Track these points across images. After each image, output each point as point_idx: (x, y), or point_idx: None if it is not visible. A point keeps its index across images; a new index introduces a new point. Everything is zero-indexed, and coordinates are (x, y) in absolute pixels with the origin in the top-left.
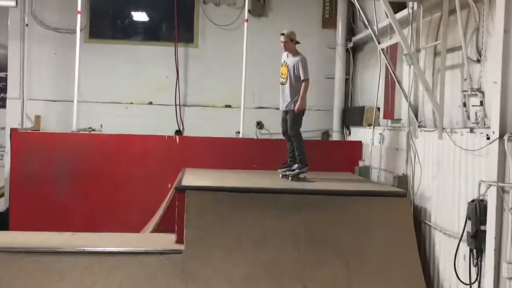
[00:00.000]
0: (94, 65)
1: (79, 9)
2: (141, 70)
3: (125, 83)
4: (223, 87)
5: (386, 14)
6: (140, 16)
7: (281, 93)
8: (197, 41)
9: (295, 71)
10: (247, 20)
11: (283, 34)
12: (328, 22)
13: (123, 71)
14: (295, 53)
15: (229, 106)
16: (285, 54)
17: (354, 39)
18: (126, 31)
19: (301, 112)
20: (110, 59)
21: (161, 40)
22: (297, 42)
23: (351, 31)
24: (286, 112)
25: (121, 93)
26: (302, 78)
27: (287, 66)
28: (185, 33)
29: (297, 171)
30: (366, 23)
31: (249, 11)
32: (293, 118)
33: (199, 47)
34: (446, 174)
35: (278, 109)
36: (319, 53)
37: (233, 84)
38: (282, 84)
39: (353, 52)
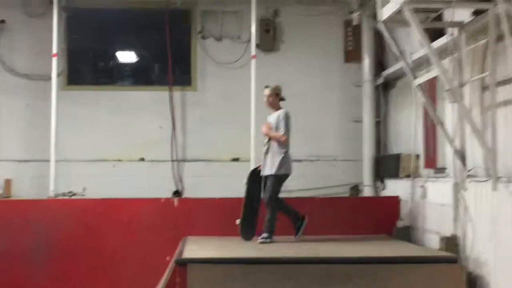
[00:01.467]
0: (74, 117)
1: (54, 51)
2: (130, 121)
3: (111, 137)
4: (229, 136)
5: (421, 43)
6: (127, 57)
7: (263, 156)
8: (195, 84)
9: (277, 128)
10: (254, 56)
11: (267, 87)
12: (352, 55)
13: (108, 123)
14: (277, 109)
15: (237, 159)
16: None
17: (384, 74)
18: (111, 75)
19: (282, 176)
20: (93, 108)
21: (153, 84)
22: (282, 99)
23: (379, 64)
24: (266, 177)
25: (107, 149)
26: (281, 131)
27: (269, 125)
28: (181, 74)
29: (260, 240)
30: (398, 54)
31: (256, 45)
32: (271, 183)
33: (199, 90)
34: (505, 234)
35: (299, 161)
36: (343, 92)
37: (241, 132)
38: (264, 146)
39: (384, 89)
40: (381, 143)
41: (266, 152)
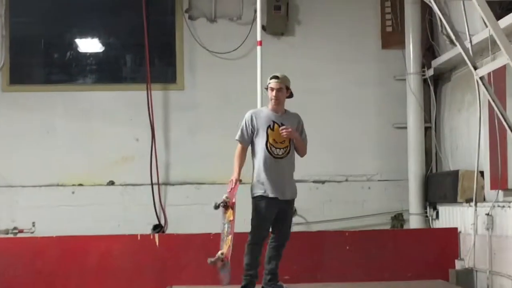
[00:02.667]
0: (19, 127)
1: None
2: (95, 132)
3: (70, 154)
4: (228, 150)
5: (485, 22)
6: (90, 46)
7: (273, 172)
8: (182, 80)
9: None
10: (260, 43)
11: (276, 77)
12: (392, 38)
13: (66, 135)
14: (284, 109)
15: (239, 180)
16: (264, 112)
17: (435, 63)
18: (69, 71)
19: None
20: (45, 116)
21: (125, 81)
22: (291, 95)
23: (429, 51)
24: (288, 202)
25: (64, 170)
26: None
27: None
28: (163, 68)
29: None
30: (453, 37)
31: (263, 28)
32: (292, 211)
33: (186, 88)
34: None
35: (321, 182)
36: (381, 88)
37: None
38: (279, 157)
39: (435, 84)
40: (433, 156)
41: (281, 166)
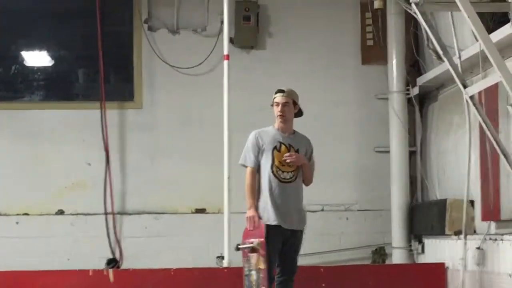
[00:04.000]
0: None
1: None
2: (42, 155)
3: (14, 180)
4: (191, 176)
5: (475, 35)
6: (37, 59)
7: (278, 198)
8: (140, 97)
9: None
10: (228, 57)
11: (282, 91)
12: (373, 53)
13: (9, 158)
14: (291, 127)
15: (202, 210)
16: (270, 131)
17: (421, 80)
18: (13, 86)
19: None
20: None
21: (77, 98)
22: (300, 113)
23: (414, 67)
24: (294, 232)
25: (6, 197)
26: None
27: (296, 151)
28: (119, 83)
29: None
30: (441, 52)
31: (231, 40)
32: (300, 243)
33: (145, 107)
34: None
35: None
36: (361, 108)
37: (209, 170)
38: (286, 182)
39: (420, 103)
40: (418, 183)
41: (287, 191)
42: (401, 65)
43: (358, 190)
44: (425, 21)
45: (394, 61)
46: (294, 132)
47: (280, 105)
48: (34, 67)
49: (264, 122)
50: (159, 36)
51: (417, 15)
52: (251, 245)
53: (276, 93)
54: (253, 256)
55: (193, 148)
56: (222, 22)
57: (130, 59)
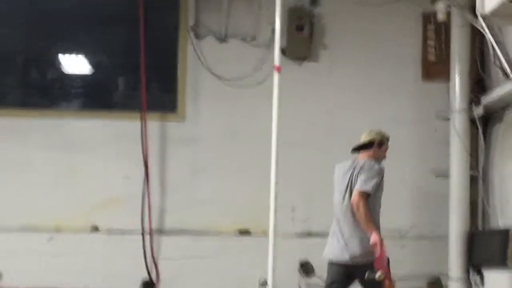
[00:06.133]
0: None
1: None
2: (76, 167)
3: (46, 193)
4: (234, 195)
5: None
6: (74, 66)
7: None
8: (183, 109)
9: None
10: (279, 68)
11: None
12: (434, 68)
13: (42, 169)
14: None
15: (246, 232)
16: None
17: (486, 100)
18: (48, 94)
19: None
20: (17, 146)
21: (115, 108)
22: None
23: (479, 85)
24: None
25: (39, 211)
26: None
27: None
28: (161, 94)
29: None
30: (508, 70)
31: (282, 51)
32: None
33: (188, 119)
34: None
35: None
36: (419, 128)
37: (254, 189)
38: None
39: (484, 124)
40: (479, 210)
41: None
42: (465, 83)
43: (415, 215)
44: (492, 35)
45: (457, 78)
46: None
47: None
48: (71, 74)
49: (314, 138)
50: (205, 44)
51: (483, 29)
52: (377, 275)
53: (388, 139)
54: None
55: (237, 164)
56: (273, 31)
57: (174, 68)
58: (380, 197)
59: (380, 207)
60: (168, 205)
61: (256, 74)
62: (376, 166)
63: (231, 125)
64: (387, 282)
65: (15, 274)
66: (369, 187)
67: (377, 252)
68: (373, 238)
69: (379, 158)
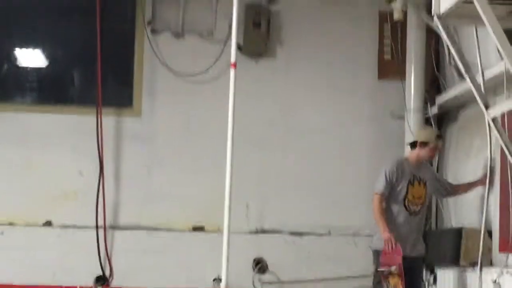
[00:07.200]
0: None
1: None
2: (31, 161)
3: None
4: (189, 191)
5: (500, 53)
6: (29, 59)
7: (404, 228)
8: (139, 104)
9: (436, 187)
10: (235, 65)
11: (440, 136)
12: (390, 67)
13: None
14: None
15: (200, 228)
16: (405, 165)
17: (441, 99)
18: (4, 87)
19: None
20: None
21: (71, 102)
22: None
23: (433, 84)
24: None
25: None
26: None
27: (425, 184)
28: (117, 88)
29: None
30: (462, 69)
31: (239, 47)
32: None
33: (144, 114)
34: None
35: (298, 234)
36: (375, 127)
37: (209, 186)
38: (414, 214)
39: (439, 124)
40: (432, 209)
41: (414, 222)
42: (420, 82)
43: (369, 214)
44: (448, 35)
45: (413, 77)
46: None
47: (436, 151)
48: (26, 67)
49: (270, 136)
50: (162, 39)
51: (439, 29)
52: (390, 269)
53: (437, 138)
54: (393, 279)
55: (193, 160)
56: (230, 27)
57: (131, 63)
58: (397, 196)
59: (399, 205)
60: (123, 201)
61: (212, 70)
62: (386, 168)
63: (187, 121)
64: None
65: None
66: (376, 188)
67: (386, 248)
68: (383, 235)
69: (421, 158)
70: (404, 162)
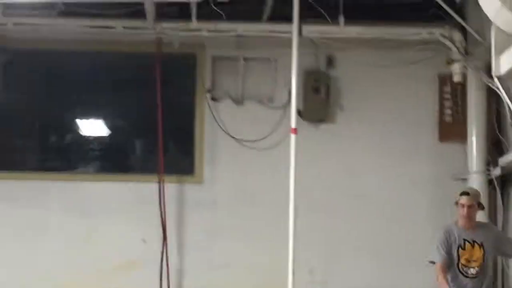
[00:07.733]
0: (3, 221)
1: None
2: (94, 229)
3: (61, 256)
4: (252, 258)
5: None
6: (91, 128)
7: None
8: (201, 172)
9: (498, 247)
10: (295, 131)
11: (467, 193)
12: (451, 130)
13: (59, 233)
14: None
15: None
16: (454, 229)
17: (503, 161)
18: (64, 157)
19: None
20: (35, 209)
21: (133, 171)
22: (482, 208)
23: (496, 146)
24: None
25: (55, 275)
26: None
27: (481, 245)
28: (179, 157)
29: None
30: None
31: (299, 113)
32: None
33: (206, 182)
34: None
35: None
36: (435, 189)
37: (273, 250)
38: (471, 276)
39: (502, 186)
40: (498, 273)
41: (473, 285)
42: (482, 144)
43: (431, 276)
44: (509, 96)
45: (474, 139)
46: (476, 224)
47: (465, 207)
48: (89, 137)
49: (331, 200)
50: (222, 106)
51: (499, 90)
52: None
53: (461, 194)
54: None
55: (255, 227)
56: (289, 93)
57: (191, 131)
58: (452, 262)
59: (455, 269)
60: (186, 268)
61: (272, 136)
62: (437, 239)
63: (249, 187)
64: None
65: None
66: (435, 259)
67: None
68: None
69: (460, 218)
70: (453, 227)
